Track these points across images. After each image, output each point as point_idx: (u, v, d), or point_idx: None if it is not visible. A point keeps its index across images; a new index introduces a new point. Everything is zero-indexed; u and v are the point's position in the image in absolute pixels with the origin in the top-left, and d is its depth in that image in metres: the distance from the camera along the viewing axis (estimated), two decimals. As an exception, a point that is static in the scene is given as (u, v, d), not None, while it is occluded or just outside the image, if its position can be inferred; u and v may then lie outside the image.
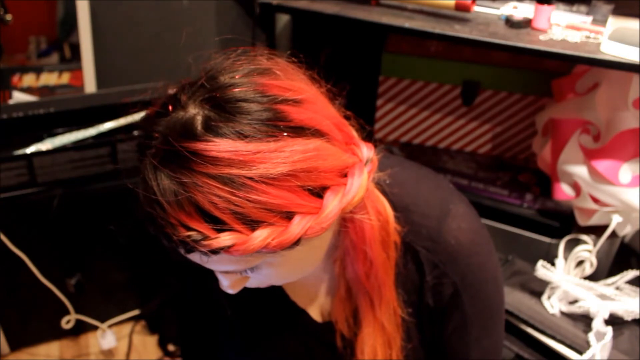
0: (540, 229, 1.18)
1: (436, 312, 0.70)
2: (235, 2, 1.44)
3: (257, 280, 0.59)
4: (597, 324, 1.00)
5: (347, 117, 0.61)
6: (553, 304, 1.07)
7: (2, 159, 1.15)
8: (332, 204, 0.51)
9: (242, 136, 0.48)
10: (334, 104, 0.59)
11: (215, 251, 0.49)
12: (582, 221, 1.11)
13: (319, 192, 0.52)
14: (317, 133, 0.52)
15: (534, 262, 1.07)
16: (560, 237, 1.12)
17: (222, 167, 0.47)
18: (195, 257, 0.52)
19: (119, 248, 1.32)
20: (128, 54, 1.38)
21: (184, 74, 0.56)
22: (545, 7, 0.95)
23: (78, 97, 1.28)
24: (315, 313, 0.76)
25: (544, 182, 1.21)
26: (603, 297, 1.03)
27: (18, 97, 1.25)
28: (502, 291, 0.73)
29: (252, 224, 0.48)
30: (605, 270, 1.14)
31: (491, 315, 0.71)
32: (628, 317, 1.00)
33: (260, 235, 0.48)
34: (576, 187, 1.11)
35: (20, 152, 1.17)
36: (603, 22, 0.99)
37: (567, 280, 1.05)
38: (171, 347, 1.53)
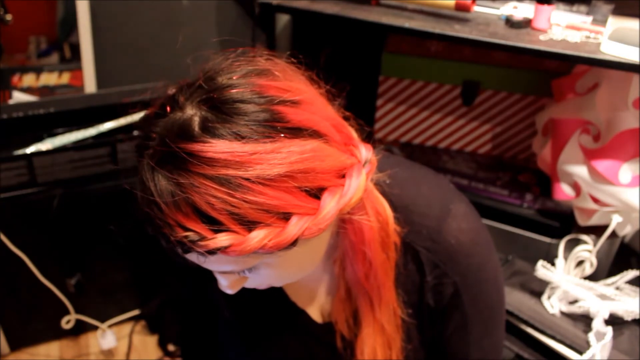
0: (540, 229, 1.18)
1: (436, 312, 0.70)
2: (235, 2, 1.44)
3: (256, 280, 0.59)
4: (597, 324, 1.00)
5: (346, 118, 0.61)
6: (553, 304, 1.07)
7: (2, 159, 1.16)
8: (330, 205, 0.51)
9: (239, 137, 0.48)
10: (333, 104, 0.59)
11: (212, 252, 0.49)
12: (582, 221, 1.11)
13: (316, 193, 0.52)
14: (315, 134, 0.52)
15: (534, 262, 1.07)
16: (560, 237, 1.12)
17: (219, 168, 0.47)
18: (192, 257, 0.52)
19: (119, 248, 1.33)
20: (128, 54, 1.38)
21: (184, 74, 0.56)
22: (545, 7, 0.95)
23: (78, 97, 1.28)
24: (315, 314, 0.75)
25: (544, 182, 1.21)
26: (603, 297, 1.03)
27: (18, 97, 1.25)
28: (503, 291, 0.73)
29: (249, 225, 0.48)
30: (605, 270, 1.14)
31: (491, 315, 0.71)
32: (628, 317, 1.00)
33: (257, 236, 0.48)
34: (576, 187, 1.11)
35: (20, 152, 1.17)
36: (603, 22, 0.99)
37: (567, 280, 1.05)
38: (171, 347, 1.53)
